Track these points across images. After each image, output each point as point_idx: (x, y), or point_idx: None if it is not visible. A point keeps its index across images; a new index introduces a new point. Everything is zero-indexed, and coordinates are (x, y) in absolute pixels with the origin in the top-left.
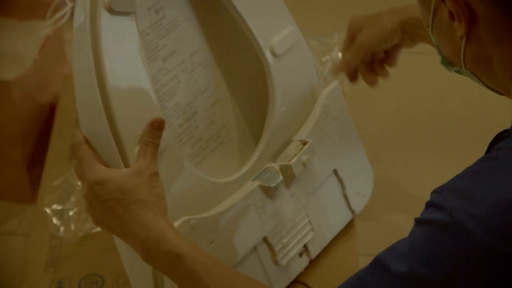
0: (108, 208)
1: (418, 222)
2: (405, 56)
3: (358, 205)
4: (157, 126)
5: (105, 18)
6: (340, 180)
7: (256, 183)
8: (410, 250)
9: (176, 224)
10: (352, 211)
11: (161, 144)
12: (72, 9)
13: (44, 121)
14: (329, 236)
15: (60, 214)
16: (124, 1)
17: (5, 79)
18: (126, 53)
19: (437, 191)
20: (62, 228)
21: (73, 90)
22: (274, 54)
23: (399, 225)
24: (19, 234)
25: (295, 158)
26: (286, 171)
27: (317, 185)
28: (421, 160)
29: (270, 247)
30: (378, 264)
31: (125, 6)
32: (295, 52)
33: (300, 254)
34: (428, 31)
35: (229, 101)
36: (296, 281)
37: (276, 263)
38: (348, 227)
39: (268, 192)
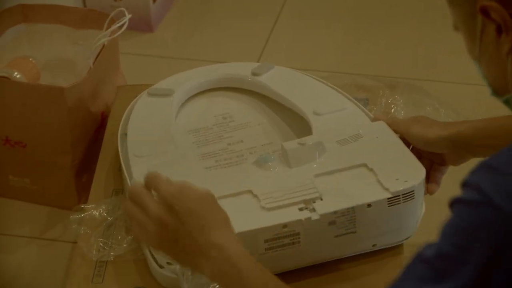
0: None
1: (449, 205)
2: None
3: (395, 187)
4: None
5: (144, 97)
6: (370, 170)
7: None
8: (439, 235)
9: None
10: (386, 189)
11: None
12: (129, 20)
13: (95, 130)
14: (346, 202)
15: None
16: (159, 90)
17: (60, 85)
18: (154, 114)
19: (469, 172)
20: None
21: (124, 100)
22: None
23: None
24: (64, 241)
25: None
26: (283, 151)
27: (334, 170)
28: None
29: (255, 196)
30: (413, 261)
31: (160, 92)
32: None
33: (301, 209)
34: (476, 65)
35: None
36: None
37: (261, 207)
38: (397, 255)
39: (259, 165)
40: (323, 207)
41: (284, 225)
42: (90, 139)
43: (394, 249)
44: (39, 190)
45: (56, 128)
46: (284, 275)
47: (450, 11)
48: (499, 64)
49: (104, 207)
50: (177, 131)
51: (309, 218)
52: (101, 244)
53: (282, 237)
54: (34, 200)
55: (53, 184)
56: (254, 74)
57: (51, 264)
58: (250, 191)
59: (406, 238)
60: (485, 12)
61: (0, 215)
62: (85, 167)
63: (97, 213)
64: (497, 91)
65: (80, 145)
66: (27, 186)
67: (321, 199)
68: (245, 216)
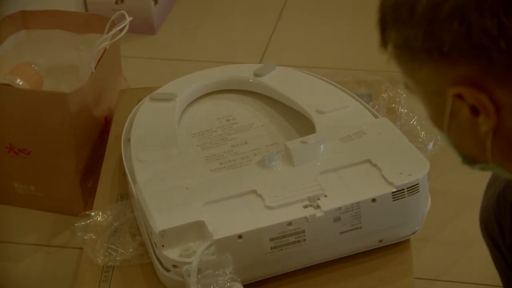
0: None
1: None
2: None
3: (400, 180)
4: None
5: (146, 102)
6: (374, 165)
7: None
8: None
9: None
10: (390, 183)
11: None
12: (131, 23)
13: (99, 134)
14: (351, 198)
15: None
16: (162, 94)
17: (62, 91)
18: (157, 119)
19: None
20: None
21: (127, 104)
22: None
23: (457, 249)
24: (71, 247)
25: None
26: (286, 150)
27: (338, 167)
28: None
29: (259, 196)
30: None
31: (163, 97)
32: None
33: (305, 206)
34: (441, 134)
35: None
36: None
37: (265, 206)
38: (404, 250)
39: (263, 165)
40: (328, 204)
41: (289, 223)
42: (94, 144)
43: (401, 244)
44: (44, 197)
45: (59, 134)
46: (291, 274)
47: (403, 74)
48: (473, 140)
49: (109, 213)
50: (180, 135)
51: (313, 215)
52: (107, 249)
53: (287, 235)
54: (40, 207)
55: (59, 190)
56: (256, 75)
57: (58, 271)
58: (254, 191)
59: (413, 233)
60: (459, 96)
61: (6, 223)
62: (90, 172)
63: (103, 219)
64: (470, 161)
65: (84, 150)
66: (33, 193)
67: (326, 196)
68: (250, 216)
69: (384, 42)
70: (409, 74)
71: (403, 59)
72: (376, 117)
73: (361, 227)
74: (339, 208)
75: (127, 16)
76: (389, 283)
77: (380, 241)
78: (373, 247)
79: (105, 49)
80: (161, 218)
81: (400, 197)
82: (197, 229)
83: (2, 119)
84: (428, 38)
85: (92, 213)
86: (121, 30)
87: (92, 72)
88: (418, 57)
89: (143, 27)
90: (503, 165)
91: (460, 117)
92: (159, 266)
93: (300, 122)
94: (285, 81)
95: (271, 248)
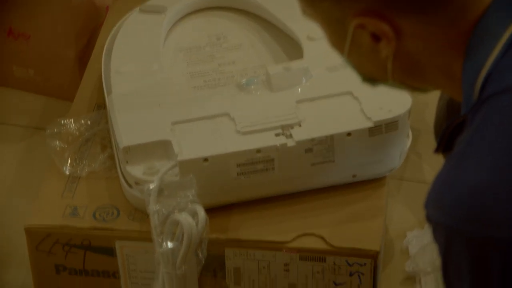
0: None
1: None
2: None
3: (378, 116)
4: None
5: (135, 13)
6: (355, 98)
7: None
8: None
9: None
10: (368, 118)
11: None
12: None
13: (100, 24)
14: (325, 130)
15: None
16: (152, 6)
17: None
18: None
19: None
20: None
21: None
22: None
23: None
24: None
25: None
26: (267, 75)
27: (318, 96)
28: None
29: (232, 119)
30: None
31: (153, 9)
32: None
33: (277, 135)
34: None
35: None
36: (310, 233)
37: (236, 131)
38: (379, 187)
39: (240, 88)
40: (301, 134)
41: (258, 150)
42: (93, 33)
43: (377, 181)
44: (43, 81)
45: (59, 20)
46: (258, 202)
47: (301, 2)
48: (374, 62)
49: (83, 122)
50: (168, 49)
51: (284, 144)
52: (75, 159)
53: (255, 162)
54: (38, 90)
55: (57, 75)
56: None
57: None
58: (227, 114)
59: (390, 171)
60: (361, 26)
61: (3, 104)
62: (87, 61)
63: (75, 127)
64: (370, 80)
65: (84, 38)
66: (31, 77)
67: (300, 125)
68: (219, 139)
69: None
70: (310, 4)
71: None
72: None
73: (333, 160)
74: (312, 139)
75: None
76: (358, 221)
77: (354, 176)
78: (348, 182)
79: None
80: (127, 134)
81: (377, 133)
82: (163, 148)
83: (2, 1)
84: None
85: (64, 121)
86: None
87: None
88: None
89: None
90: (403, 82)
91: (361, 43)
92: (123, 181)
93: (292, 46)
94: (280, 3)
95: (237, 174)
